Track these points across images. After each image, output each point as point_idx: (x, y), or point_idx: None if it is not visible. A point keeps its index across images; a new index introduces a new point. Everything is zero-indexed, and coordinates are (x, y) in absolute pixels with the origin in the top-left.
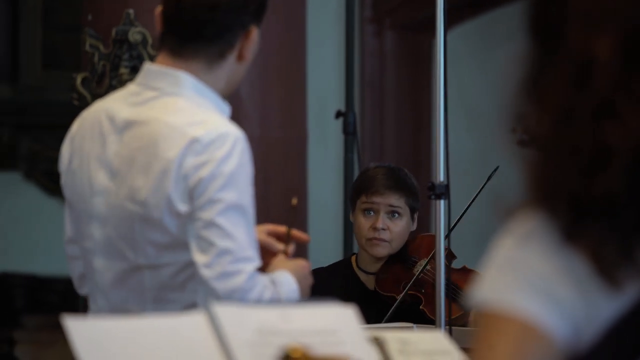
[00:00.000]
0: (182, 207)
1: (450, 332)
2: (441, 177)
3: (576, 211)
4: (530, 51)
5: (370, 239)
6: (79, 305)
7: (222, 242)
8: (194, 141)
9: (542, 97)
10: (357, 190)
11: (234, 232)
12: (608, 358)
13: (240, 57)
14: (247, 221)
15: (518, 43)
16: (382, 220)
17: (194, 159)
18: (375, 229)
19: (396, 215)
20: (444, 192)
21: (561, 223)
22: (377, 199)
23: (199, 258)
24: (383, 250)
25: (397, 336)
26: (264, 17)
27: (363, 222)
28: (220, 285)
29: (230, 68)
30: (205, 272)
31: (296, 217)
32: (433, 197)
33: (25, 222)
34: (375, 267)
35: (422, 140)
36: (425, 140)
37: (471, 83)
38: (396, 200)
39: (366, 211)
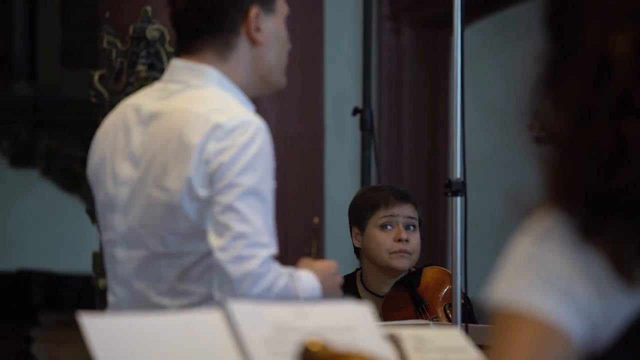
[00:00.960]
0: (202, 192)
1: (466, 330)
2: (458, 174)
3: (594, 209)
4: (547, 48)
5: (395, 252)
6: (96, 303)
7: (238, 226)
8: (217, 127)
9: (560, 95)
10: (370, 207)
11: (250, 216)
12: (626, 357)
13: (253, 42)
14: (264, 207)
15: (535, 40)
16: (405, 232)
17: (215, 145)
18: (400, 240)
19: (412, 228)
20: (460, 188)
21: (579, 221)
22: (396, 211)
23: (215, 242)
24: (408, 263)
25: (413, 333)
26: None
27: (383, 237)
28: (234, 269)
29: (247, 55)
30: (220, 255)
31: (319, 234)
32: (450, 194)
33: (42, 220)
34: (384, 287)
35: (439, 137)
36: (442, 137)
37: (488, 80)
38: (412, 212)
39: (384, 226)
